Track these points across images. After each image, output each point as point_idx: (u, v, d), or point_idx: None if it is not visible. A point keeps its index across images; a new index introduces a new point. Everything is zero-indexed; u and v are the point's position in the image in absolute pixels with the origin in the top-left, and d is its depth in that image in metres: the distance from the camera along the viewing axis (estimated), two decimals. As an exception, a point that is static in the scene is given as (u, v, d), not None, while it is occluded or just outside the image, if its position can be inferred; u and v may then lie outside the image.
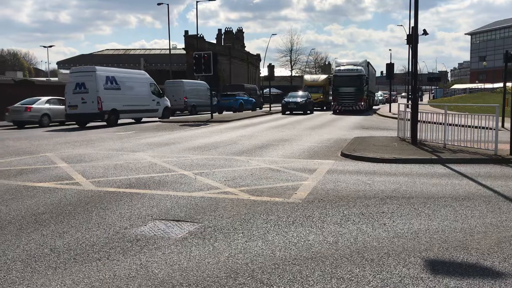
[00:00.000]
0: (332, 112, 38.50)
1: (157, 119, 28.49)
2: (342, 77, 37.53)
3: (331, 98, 42.84)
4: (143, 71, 29.77)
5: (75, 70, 24.97)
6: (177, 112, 35.93)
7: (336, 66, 40.81)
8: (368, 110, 41.15)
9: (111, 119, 24.24)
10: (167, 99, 29.99)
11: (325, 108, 45.40)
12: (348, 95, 36.95)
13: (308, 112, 37.17)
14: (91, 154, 12.26)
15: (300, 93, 40.08)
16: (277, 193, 7.37)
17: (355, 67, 38.42)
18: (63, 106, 24.87)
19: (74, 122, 25.06)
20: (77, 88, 23.39)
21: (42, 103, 25.51)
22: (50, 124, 25.51)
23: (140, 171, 9.56)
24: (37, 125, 25.17)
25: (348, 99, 37.06)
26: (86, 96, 23.20)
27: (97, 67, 24.82)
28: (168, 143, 15.06)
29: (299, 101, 36.81)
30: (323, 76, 49.88)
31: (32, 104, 25.11)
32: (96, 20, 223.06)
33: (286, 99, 38.00)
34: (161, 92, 29.03)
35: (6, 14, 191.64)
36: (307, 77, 51.50)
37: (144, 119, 28.30)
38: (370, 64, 45.14)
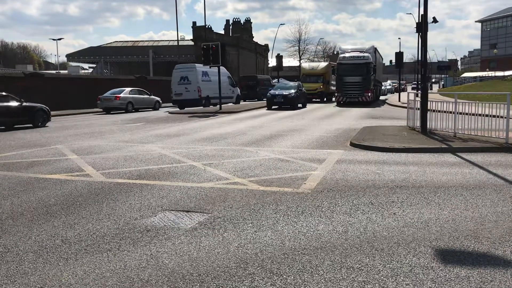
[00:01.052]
0: (335, 103, 35.05)
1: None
2: (346, 65, 33.31)
3: (333, 88, 39.48)
4: (222, 67, 32.76)
5: (179, 67, 32.14)
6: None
7: (340, 53, 36.22)
8: (375, 101, 37.66)
9: (206, 103, 31.27)
10: (238, 89, 38.29)
11: (325, 99, 41.02)
12: (353, 85, 32.92)
13: (300, 105, 31.33)
14: (101, 145, 12.34)
15: (290, 83, 34.07)
16: (286, 183, 7.36)
17: (361, 54, 34.00)
18: (142, 96, 31.93)
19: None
20: (181, 80, 30.93)
21: (126, 93, 30.46)
22: (132, 110, 30.38)
23: (149, 162, 9.60)
24: (123, 111, 29.75)
25: (354, 90, 33.01)
26: (189, 86, 30.76)
27: (196, 64, 31.90)
28: (177, 134, 15.10)
29: (287, 93, 29.68)
30: (323, 64, 44.23)
31: (120, 94, 30.06)
32: (104, 12, 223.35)
33: (272, 91, 30.59)
34: (234, 83, 36.69)
35: (16, 7, 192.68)
36: (305, 65, 46.12)
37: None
38: (378, 51, 40.27)
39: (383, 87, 52.47)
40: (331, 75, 40.87)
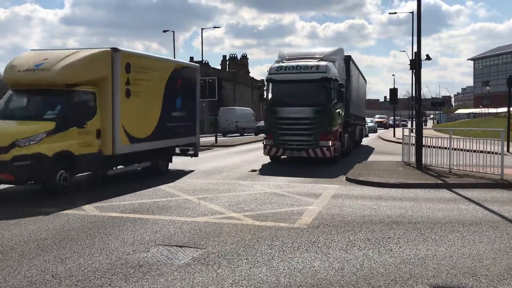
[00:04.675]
0: (262, 164, 16.00)
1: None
2: (285, 84, 16.18)
3: (131, 127, 11.45)
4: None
5: None
6: (228, 134, 40.82)
7: (277, 61, 17.39)
8: (349, 154, 19.19)
9: None
10: None
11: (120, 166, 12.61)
12: (297, 123, 15.63)
13: None
14: (95, 179, 12.22)
15: None
16: (282, 218, 7.29)
17: (313, 63, 16.17)
18: None
19: None
20: None
21: None
22: None
23: (143, 196, 9.52)
24: None
25: (298, 133, 15.63)
26: None
27: None
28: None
29: None
30: (91, 52, 10.88)
31: None
32: (103, 46, 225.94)
33: None
34: None
35: (15, 42, 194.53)
36: (18, 62, 10.73)
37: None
38: (354, 62, 21.60)
39: (365, 126, 32.37)
40: (112, 89, 10.87)
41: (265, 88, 17.09)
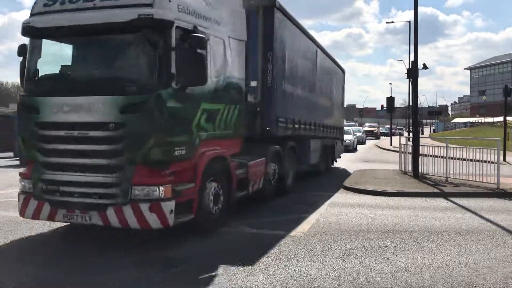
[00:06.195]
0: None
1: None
2: (55, 40, 6.53)
3: None
4: None
5: None
6: None
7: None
8: (281, 197, 9.90)
9: None
10: None
11: None
12: (81, 140, 5.78)
13: None
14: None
15: None
16: (279, 226, 7.28)
17: None
18: None
19: None
20: None
21: None
22: None
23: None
24: None
25: (83, 165, 5.84)
26: None
27: None
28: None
29: None
30: None
31: None
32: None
33: None
34: None
35: (13, 48, 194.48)
36: None
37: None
38: (291, 18, 10.07)
39: (349, 137, 25.87)
40: None
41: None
